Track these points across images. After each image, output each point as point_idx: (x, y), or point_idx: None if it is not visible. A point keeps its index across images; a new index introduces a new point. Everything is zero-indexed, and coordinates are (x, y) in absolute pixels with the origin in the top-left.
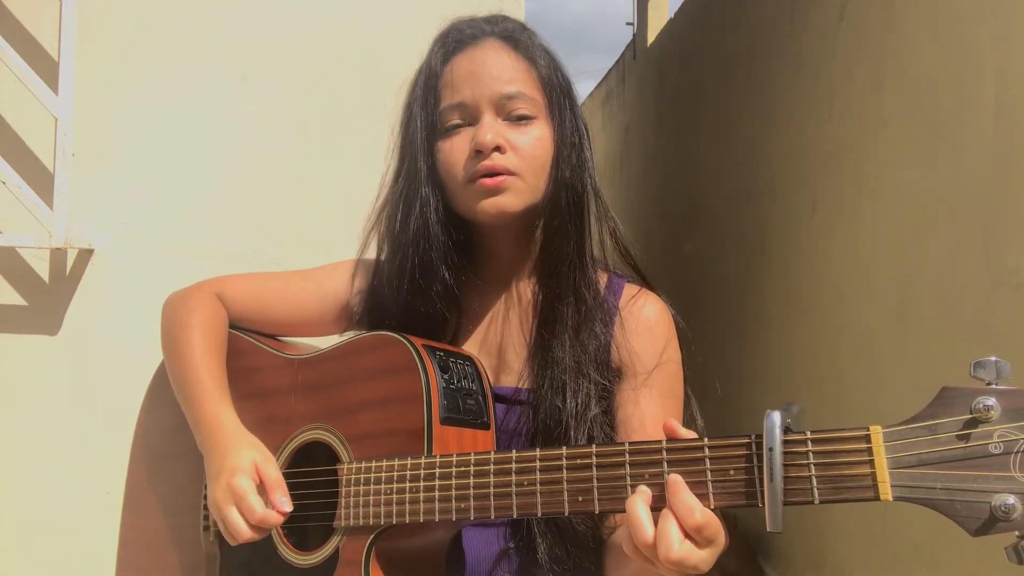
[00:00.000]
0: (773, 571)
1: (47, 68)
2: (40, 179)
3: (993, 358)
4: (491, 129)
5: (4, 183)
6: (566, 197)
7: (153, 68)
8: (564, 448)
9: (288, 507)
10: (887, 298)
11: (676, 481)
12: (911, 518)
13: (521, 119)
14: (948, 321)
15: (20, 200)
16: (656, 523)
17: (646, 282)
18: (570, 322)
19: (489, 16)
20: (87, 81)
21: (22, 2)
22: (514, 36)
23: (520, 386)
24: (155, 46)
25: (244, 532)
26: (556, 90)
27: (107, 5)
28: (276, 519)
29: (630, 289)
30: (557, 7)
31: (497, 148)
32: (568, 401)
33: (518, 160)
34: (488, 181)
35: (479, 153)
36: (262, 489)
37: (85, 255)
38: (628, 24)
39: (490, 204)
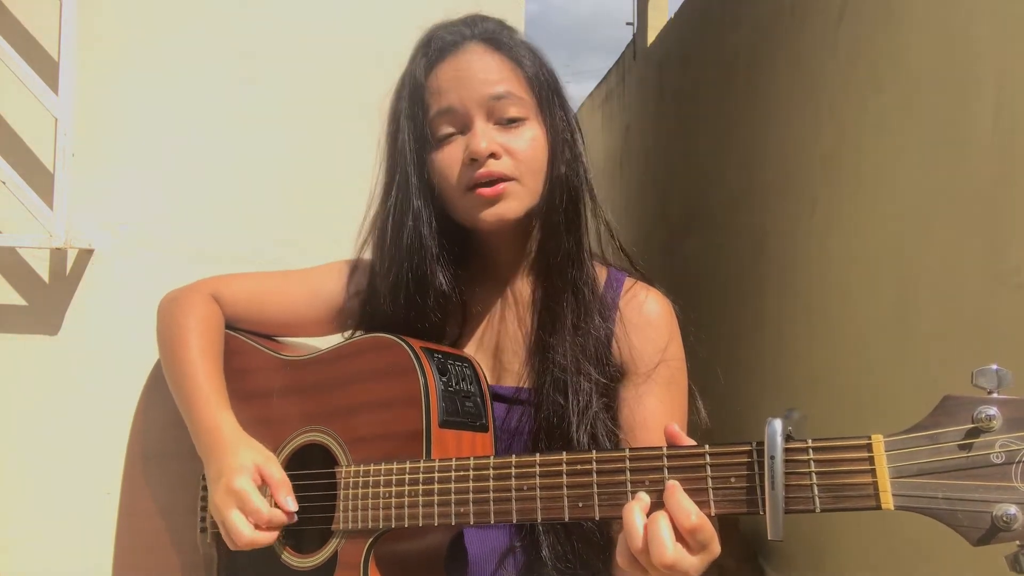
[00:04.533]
0: (773, 571)
1: (47, 68)
2: (40, 179)
3: (994, 367)
4: (484, 136)
5: (4, 183)
6: (562, 194)
7: (153, 68)
8: (564, 454)
9: (294, 506)
10: (887, 298)
11: (674, 485)
12: (910, 518)
13: (512, 121)
14: (948, 321)
15: (20, 200)
16: (648, 527)
17: (644, 277)
18: (569, 319)
19: (466, 17)
20: (87, 81)
21: (22, 2)
22: (496, 37)
23: (521, 385)
24: (155, 46)
25: (245, 535)
26: (544, 87)
27: (107, 5)
28: (283, 519)
29: (630, 284)
30: (558, 8)
31: (492, 155)
32: (570, 398)
33: (515, 164)
34: (487, 191)
35: (474, 161)
36: (265, 490)
37: (85, 255)
38: (628, 24)
39: (491, 214)
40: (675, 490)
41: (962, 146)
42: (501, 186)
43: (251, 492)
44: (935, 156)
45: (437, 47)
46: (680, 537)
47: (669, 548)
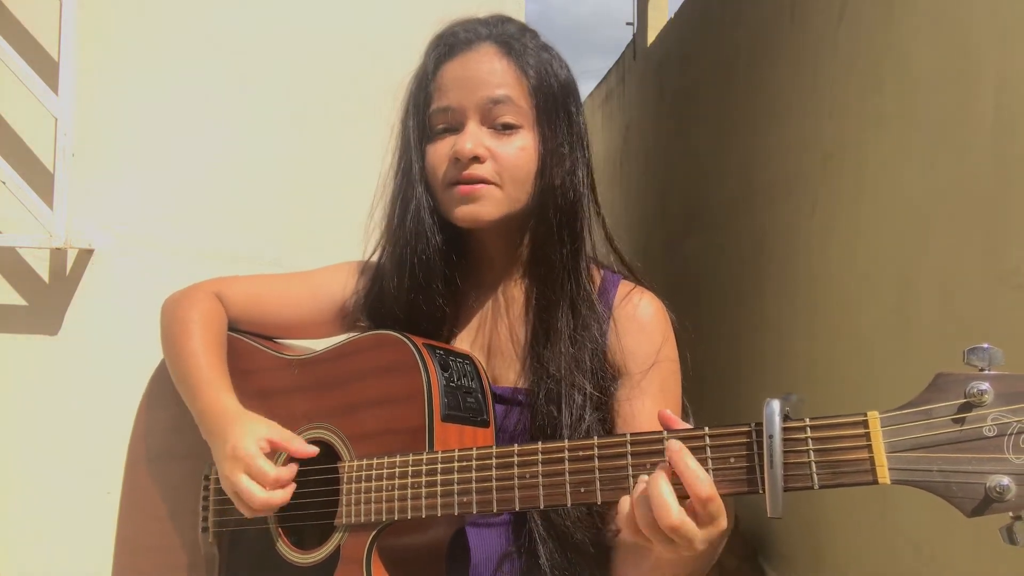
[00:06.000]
0: (773, 570)
1: (47, 68)
2: (40, 179)
3: (986, 345)
4: (472, 138)
5: (4, 183)
6: (555, 205)
7: (153, 68)
8: (566, 441)
9: (312, 449)
10: (887, 298)
11: (680, 448)
12: (910, 517)
13: (506, 127)
14: (948, 321)
15: (20, 200)
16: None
17: (639, 280)
18: (564, 333)
19: (488, 17)
20: (87, 81)
21: (22, 2)
22: (509, 41)
23: (518, 386)
24: (155, 46)
25: (258, 496)
26: (547, 98)
27: (107, 5)
28: (288, 475)
29: (624, 288)
30: (558, 8)
31: (476, 158)
32: (563, 411)
33: (497, 169)
34: (463, 188)
35: (458, 161)
36: (272, 456)
37: (85, 255)
38: (628, 24)
39: (464, 211)
40: (683, 453)
41: (962, 146)
42: (477, 187)
43: (255, 454)
44: (935, 156)
45: (448, 42)
46: (692, 509)
47: (674, 510)
